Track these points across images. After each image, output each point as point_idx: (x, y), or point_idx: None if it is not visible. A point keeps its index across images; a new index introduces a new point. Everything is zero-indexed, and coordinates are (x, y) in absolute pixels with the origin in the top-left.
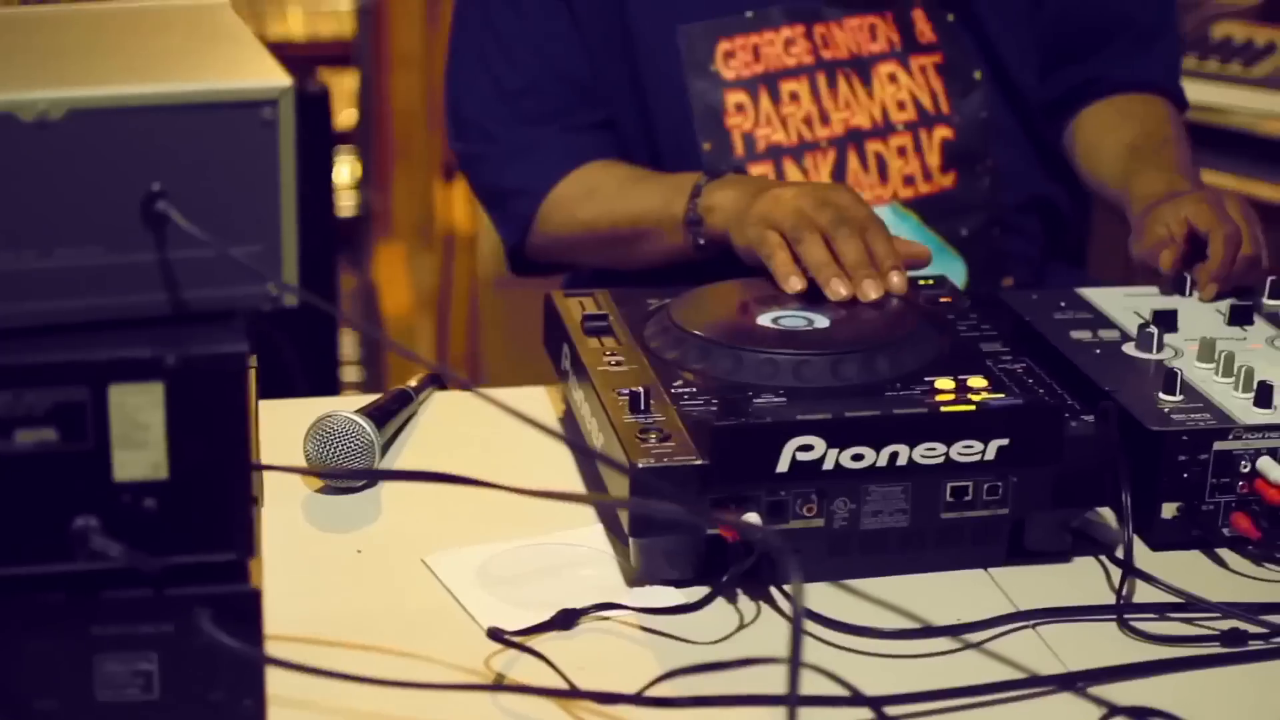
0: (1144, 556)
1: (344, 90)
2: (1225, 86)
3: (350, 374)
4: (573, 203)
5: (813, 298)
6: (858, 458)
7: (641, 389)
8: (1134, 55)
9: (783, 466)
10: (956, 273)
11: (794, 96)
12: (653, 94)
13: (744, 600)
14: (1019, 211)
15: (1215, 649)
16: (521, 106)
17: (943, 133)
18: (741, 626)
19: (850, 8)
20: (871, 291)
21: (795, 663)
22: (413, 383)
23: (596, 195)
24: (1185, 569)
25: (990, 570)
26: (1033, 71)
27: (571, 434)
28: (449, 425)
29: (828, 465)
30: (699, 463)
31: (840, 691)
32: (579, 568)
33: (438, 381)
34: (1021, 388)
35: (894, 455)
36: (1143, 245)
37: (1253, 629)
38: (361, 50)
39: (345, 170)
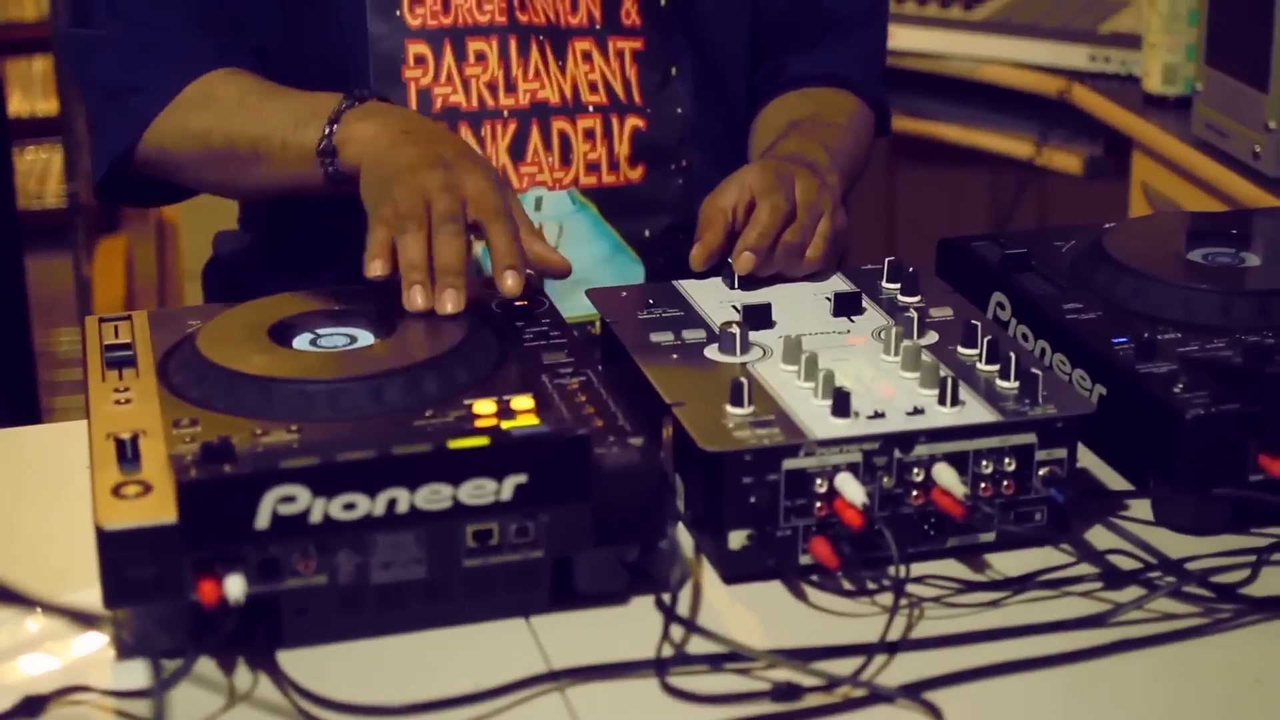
0: (715, 591)
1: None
2: (944, 31)
3: (74, 374)
4: (187, 109)
5: (368, 312)
6: (350, 506)
7: (132, 434)
8: (829, 49)
9: (263, 522)
10: (634, 276)
11: (480, 57)
12: (326, 33)
13: (243, 670)
14: None
15: (767, 707)
16: (163, 7)
17: (635, 122)
18: (232, 702)
19: None
20: (449, 304)
21: None
22: None
23: (215, 104)
24: (756, 606)
25: (533, 619)
26: (742, 71)
27: None
28: None
29: (315, 517)
30: (172, 522)
31: None
32: (76, 638)
33: None
34: (570, 410)
35: (393, 501)
36: (702, 209)
37: (808, 681)
38: (57, 33)
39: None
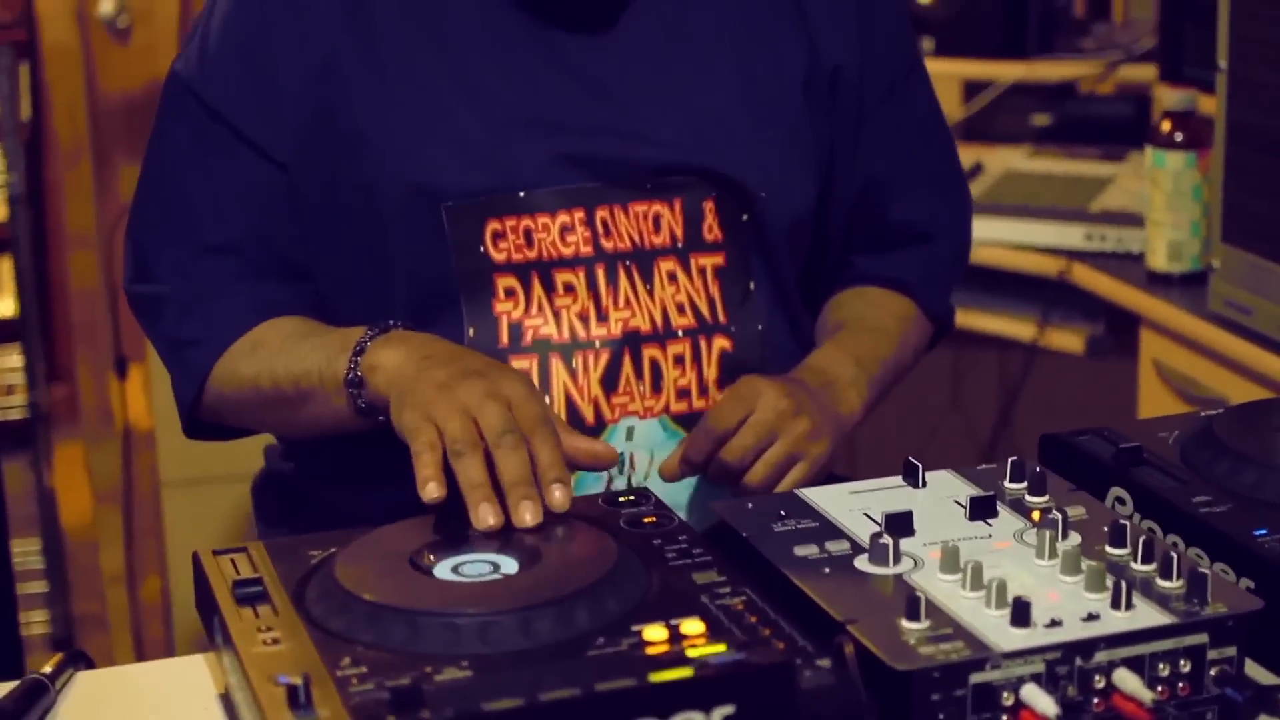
0: None
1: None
2: None
3: (32, 587)
4: (237, 358)
5: (499, 536)
6: None
7: (303, 678)
8: (896, 254)
9: None
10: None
11: (569, 288)
12: (413, 274)
13: None
14: None
15: None
16: (219, 263)
17: (721, 343)
18: None
19: (636, 191)
20: (527, 516)
21: None
22: (48, 668)
23: (261, 350)
24: None
25: None
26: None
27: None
28: (92, 713)
29: None
30: None
31: None
32: None
33: (80, 660)
34: (744, 631)
35: None
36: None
37: None
38: (16, 236)
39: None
